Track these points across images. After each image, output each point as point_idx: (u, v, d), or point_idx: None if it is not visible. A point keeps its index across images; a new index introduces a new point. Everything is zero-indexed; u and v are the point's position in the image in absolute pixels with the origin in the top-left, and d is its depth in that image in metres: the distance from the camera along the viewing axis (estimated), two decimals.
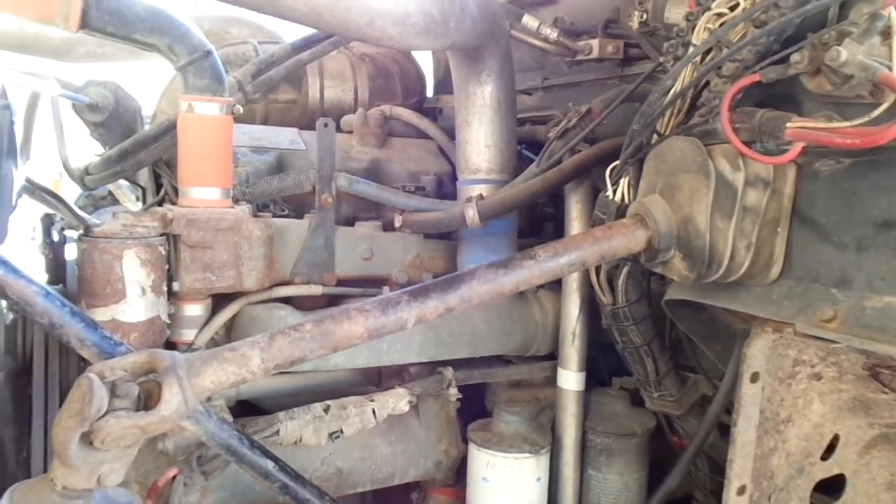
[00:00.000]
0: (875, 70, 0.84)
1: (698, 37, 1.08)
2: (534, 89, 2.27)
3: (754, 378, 1.10)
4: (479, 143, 1.72)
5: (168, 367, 0.92)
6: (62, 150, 1.95)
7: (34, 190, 2.12)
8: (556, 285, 1.83)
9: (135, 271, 1.38)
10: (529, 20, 1.86)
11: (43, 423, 1.56)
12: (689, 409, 1.61)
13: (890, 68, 0.83)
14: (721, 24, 1.05)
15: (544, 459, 1.64)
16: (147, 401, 0.94)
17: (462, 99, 1.73)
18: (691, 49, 1.09)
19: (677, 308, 1.30)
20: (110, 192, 2.94)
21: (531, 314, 1.80)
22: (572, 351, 1.69)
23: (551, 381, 1.80)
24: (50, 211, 2.08)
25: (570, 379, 1.70)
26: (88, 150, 2.13)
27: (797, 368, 1.15)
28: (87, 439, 0.89)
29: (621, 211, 1.27)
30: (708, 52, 1.08)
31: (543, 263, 1.06)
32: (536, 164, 1.61)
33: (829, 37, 0.89)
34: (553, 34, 1.86)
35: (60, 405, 1.59)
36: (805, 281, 1.05)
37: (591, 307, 1.68)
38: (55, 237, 2.26)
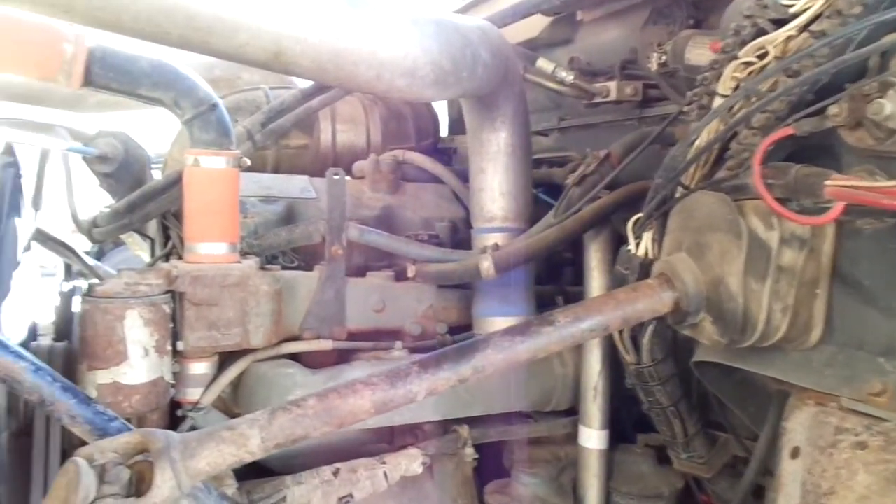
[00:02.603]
0: None
1: (724, 86, 1.02)
2: (550, 130, 2.22)
3: (795, 454, 1.01)
4: (494, 191, 1.66)
5: (161, 449, 0.86)
6: (71, 203, 1.93)
7: (45, 240, 2.10)
8: None
9: (137, 332, 1.32)
10: (544, 63, 1.82)
11: (42, 484, 1.51)
12: (720, 471, 1.51)
13: None
14: (749, 74, 0.98)
15: None
16: (139, 483, 0.88)
17: (476, 145, 1.68)
18: (717, 100, 1.03)
19: (706, 368, 1.22)
20: None
21: (550, 368, 1.71)
22: (594, 408, 1.60)
23: (572, 437, 1.71)
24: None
25: (592, 437, 1.61)
26: (100, 201, 2.11)
27: (839, 437, 1.06)
28: None
29: (645, 267, 1.20)
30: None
31: (563, 329, 0.99)
32: (554, 212, 1.55)
33: (871, 88, 0.82)
34: (569, 77, 1.81)
35: (61, 465, 1.54)
36: (849, 348, 0.97)
37: (613, 360, 1.61)
38: (67, 286, 2.24)
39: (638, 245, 1.22)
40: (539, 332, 0.98)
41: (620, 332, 1.32)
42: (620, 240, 1.60)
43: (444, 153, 2.53)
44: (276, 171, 2.14)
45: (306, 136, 2.19)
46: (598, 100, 1.81)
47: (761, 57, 0.96)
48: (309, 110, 1.87)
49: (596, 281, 1.59)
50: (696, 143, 1.07)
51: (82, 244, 2.46)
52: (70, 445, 1.58)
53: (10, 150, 1.44)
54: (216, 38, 1.01)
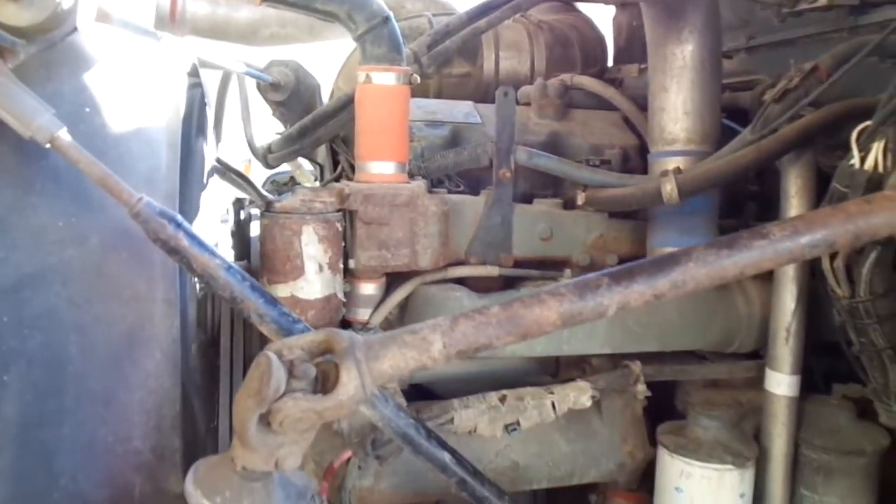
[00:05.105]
0: None
1: None
2: (735, 51, 1.99)
3: None
4: (677, 110, 1.51)
5: (346, 349, 0.85)
6: (248, 130, 2.00)
7: (224, 171, 2.22)
8: (764, 273, 1.60)
9: (313, 247, 1.35)
10: None
11: (228, 393, 1.61)
12: None
13: None
14: None
15: (749, 473, 1.42)
16: (324, 383, 0.88)
17: (658, 62, 1.53)
18: None
19: None
20: (292, 178, 3.06)
21: (734, 305, 1.57)
22: (786, 351, 1.45)
23: (755, 383, 1.57)
24: (241, 195, 2.16)
25: (782, 383, 1.46)
26: (271, 131, 2.19)
27: None
28: (265, 420, 0.85)
29: (873, 183, 1.03)
30: None
31: (779, 244, 0.87)
32: (750, 130, 1.38)
33: None
34: None
35: (244, 377, 1.64)
36: None
37: (809, 299, 1.44)
38: (243, 217, 2.36)
39: (864, 158, 1.05)
40: (750, 246, 0.87)
41: (832, 259, 1.16)
42: (820, 171, 1.41)
43: (610, 84, 2.37)
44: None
45: (469, 63, 2.13)
46: (803, 6, 1.59)
47: None
48: (475, 32, 1.80)
49: (795, 210, 1.41)
50: None
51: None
52: (251, 357, 1.68)
53: (195, 72, 1.50)
54: None
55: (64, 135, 0.90)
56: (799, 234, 0.87)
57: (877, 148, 1.03)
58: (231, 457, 0.89)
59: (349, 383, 0.83)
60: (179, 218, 0.96)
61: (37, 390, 0.96)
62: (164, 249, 0.95)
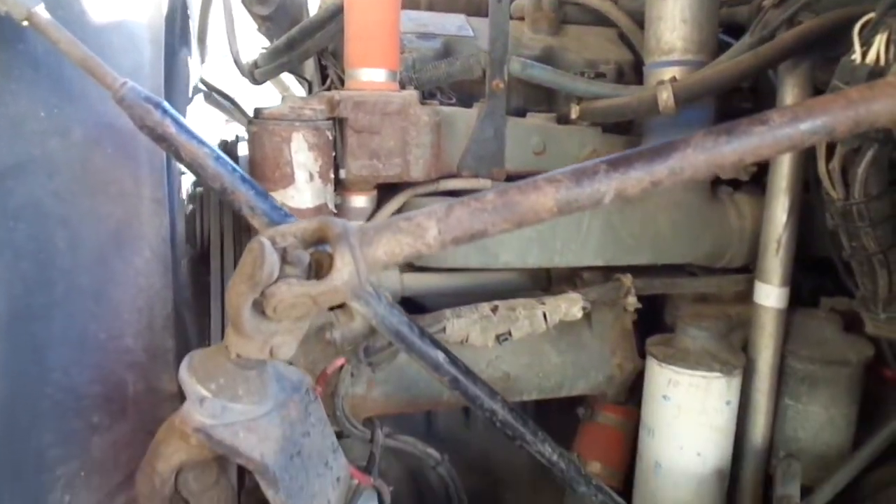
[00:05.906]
0: None
1: None
2: None
3: None
4: (675, 18, 1.48)
5: (340, 234, 0.84)
6: (233, 46, 1.94)
7: (209, 93, 2.16)
8: (756, 188, 1.60)
9: (302, 155, 1.32)
10: None
11: (220, 309, 1.60)
12: None
13: None
14: None
15: (736, 382, 1.44)
16: (317, 271, 0.87)
17: None
18: None
19: None
20: None
21: (725, 219, 1.57)
22: (776, 262, 1.45)
23: (744, 297, 1.59)
24: (226, 138, 2.11)
25: (771, 294, 1.47)
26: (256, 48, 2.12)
27: None
28: (259, 308, 0.84)
29: (874, 77, 1.01)
30: None
31: (778, 130, 0.85)
32: (749, 34, 1.35)
33: None
34: None
35: None
36: None
37: (801, 212, 1.44)
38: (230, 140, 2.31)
39: (865, 53, 1.03)
40: (749, 132, 0.85)
41: (828, 159, 1.15)
42: (816, 89, 1.40)
43: None
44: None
45: None
46: None
47: None
48: None
49: None
50: None
51: None
52: None
53: None
54: None
55: (42, 11, 0.86)
56: (799, 120, 0.85)
57: (879, 41, 1.01)
58: (225, 345, 0.88)
59: (343, 268, 0.82)
60: (166, 104, 0.93)
61: (25, 283, 0.95)
62: (151, 137, 0.92)
